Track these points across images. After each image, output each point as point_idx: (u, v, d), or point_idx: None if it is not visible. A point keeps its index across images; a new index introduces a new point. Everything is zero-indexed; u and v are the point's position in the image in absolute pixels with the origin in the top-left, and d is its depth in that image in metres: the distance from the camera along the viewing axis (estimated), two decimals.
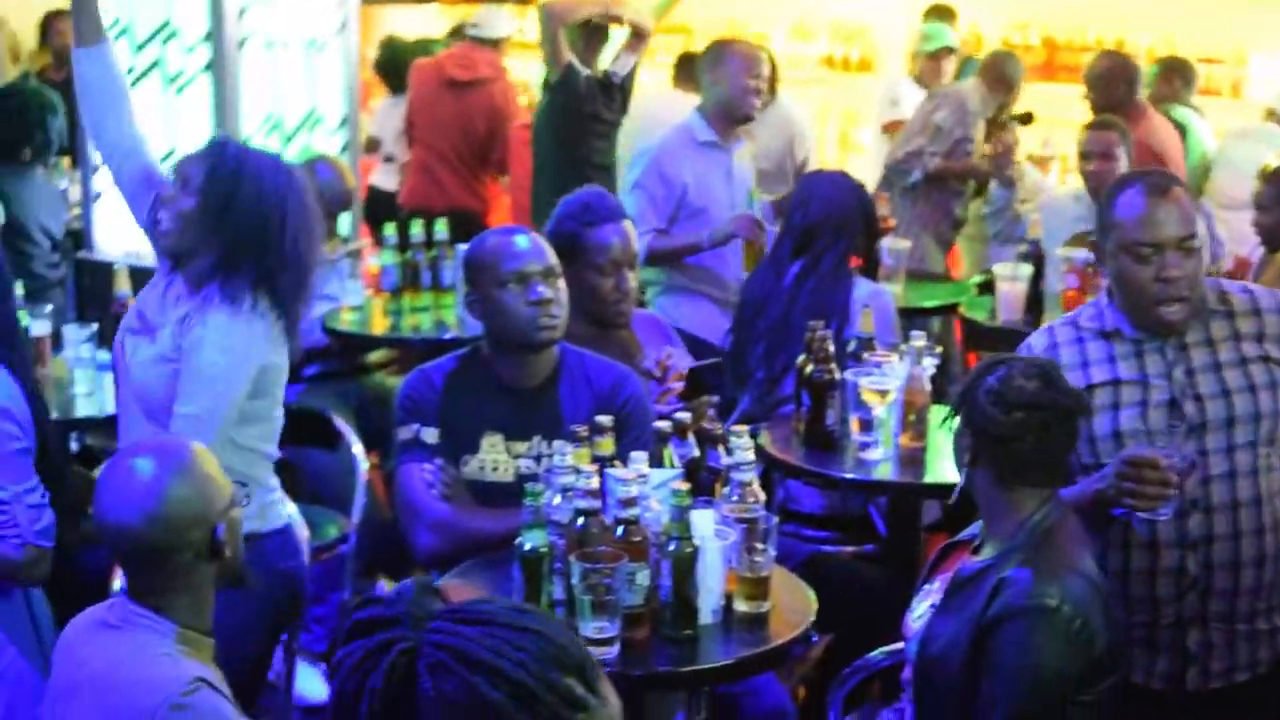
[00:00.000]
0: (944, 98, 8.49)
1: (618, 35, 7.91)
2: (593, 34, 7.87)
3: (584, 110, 7.74)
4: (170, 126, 7.39)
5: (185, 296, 4.29)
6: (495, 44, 9.57)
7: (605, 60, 7.90)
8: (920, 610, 3.71)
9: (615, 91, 7.87)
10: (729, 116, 6.75)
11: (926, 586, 3.78)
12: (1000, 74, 8.49)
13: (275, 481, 4.50)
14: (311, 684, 5.61)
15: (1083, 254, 6.30)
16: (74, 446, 6.18)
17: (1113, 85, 7.89)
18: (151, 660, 3.07)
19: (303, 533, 4.58)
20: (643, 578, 3.62)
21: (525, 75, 10.96)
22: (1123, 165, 6.73)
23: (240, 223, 4.24)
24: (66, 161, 8.61)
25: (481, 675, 1.87)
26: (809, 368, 5.01)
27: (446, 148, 9.12)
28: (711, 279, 6.67)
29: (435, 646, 1.90)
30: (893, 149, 8.56)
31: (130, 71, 7.48)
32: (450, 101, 9.15)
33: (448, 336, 6.34)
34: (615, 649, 3.54)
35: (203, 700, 3.02)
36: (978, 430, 3.55)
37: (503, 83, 9.47)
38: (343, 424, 5.79)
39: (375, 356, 6.94)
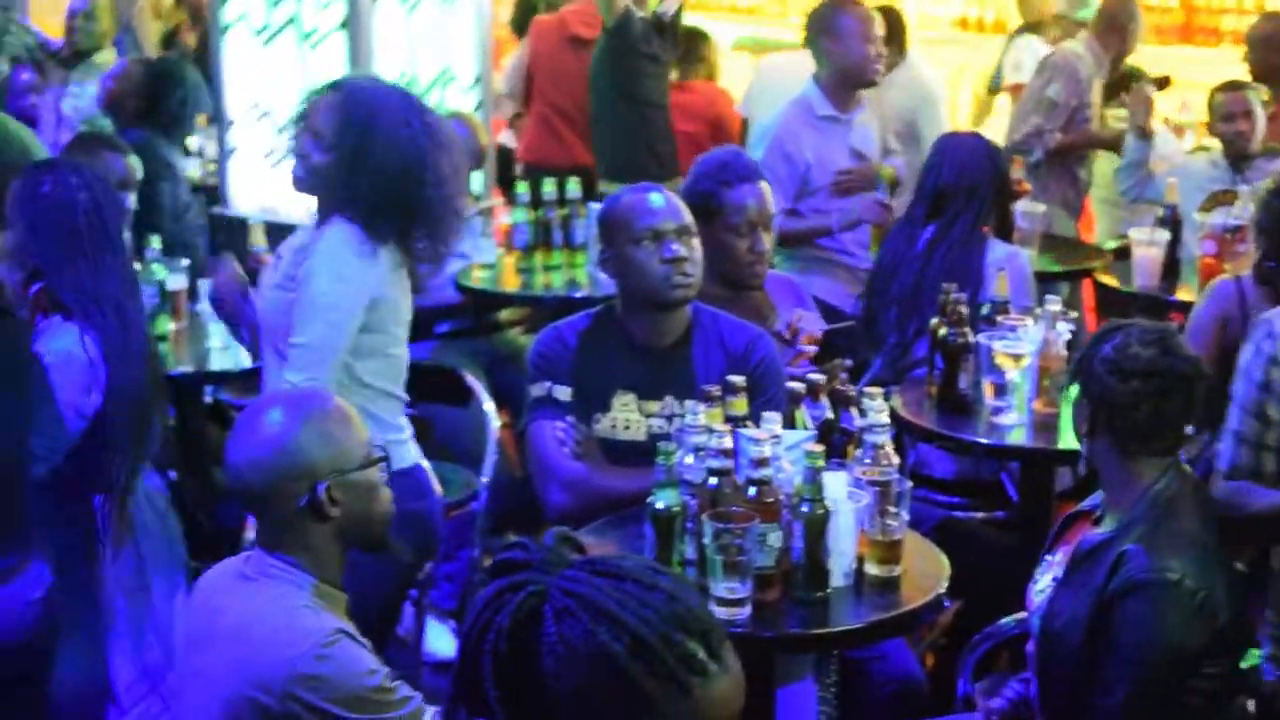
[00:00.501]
0: (1054, 69, 8.22)
1: None
2: None
3: (641, 51, 8.03)
4: (304, 83, 7.42)
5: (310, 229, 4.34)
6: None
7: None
8: (1043, 583, 3.68)
9: (666, 30, 8.19)
10: (849, 84, 6.65)
11: (1049, 558, 3.75)
12: (1112, 23, 8.25)
13: (403, 422, 4.52)
14: (441, 640, 5.64)
15: (1221, 219, 6.21)
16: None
17: (1275, 48, 7.75)
18: (291, 611, 3.10)
19: (434, 479, 4.60)
20: (775, 539, 3.61)
21: None
22: (1260, 126, 6.62)
23: (376, 176, 4.26)
24: (203, 119, 8.69)
25: (605, 625, 1.88)
26: (942, 331, 4.97)
27: (569, 104, 9.09)
28: (842, 250, 6.62)
29: (564, 592, 1.91)
30: (1010, 127, 8.38)
31: (266, 28, 7.54)
32: (573, 58, 9.11)
33: (579, 295, 6.34)
34: (746, 610, 3.53)
35: (343, 650, 3.05)
36: (1095, 399, 3.51)
37: None
38: (474, 381, 5.81)
39: (506, 314, 6.96)
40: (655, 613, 1.89)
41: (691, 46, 9.01)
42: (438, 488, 4.61)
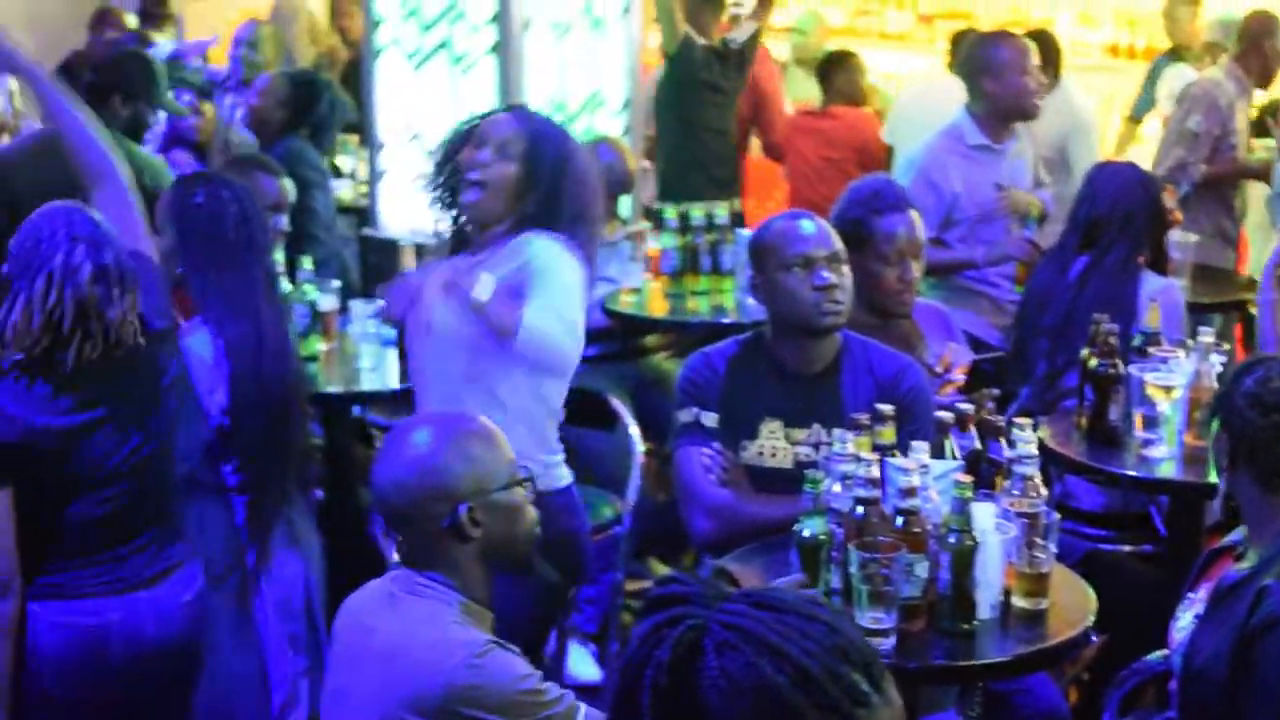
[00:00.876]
0: (1193, 100, 8.02)
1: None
2: (708, 3, 8.37)
3: (700, 79, 8.21)
4: (456, 107, 7.49)
5: (500, 249, 4.36)
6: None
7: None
8: (1185, 620, 3.63)
9: (732, 58, 8.34)
10: (1005, 117, 6.59)
11: (1191, 595, 3.70)
12: (1252, 43, 8.06)
13: (559, 444, 4.56)
14: (582, 664, 5.66)
15: None
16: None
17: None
18: (442, 627, 3.13)
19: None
20: (921, 569, 3.59)
21: (783, 56, 10.87)
22: None
23: (557, 186, 4.35)
24: (354, 139, 8.79)
25: (767, 657, 1.87)
26: (1093, 362, 4.92)
27: None
28: (988, 282, 6.57)
29: (724, 625, 1.90)
30: (1155, 159, 8.23)
31: (417, 52, 7.62)
32: None
33: (726, 321, 6.34)
34: (891, 640, 3.51)
35: (495, 659, 3.08)
36: (1235, 433, 3.46)
37: (767, 65, 9.45)
38: (619, 405, 5.82)
39: (653, 339, 6.97)
40: (817, 644, 1.88)
41: (836, 72, 9.01)
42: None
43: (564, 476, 4.52)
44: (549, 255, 4.27)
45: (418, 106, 7.69)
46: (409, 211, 7.75)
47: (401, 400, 5.80)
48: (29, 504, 3.90)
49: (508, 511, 3.25)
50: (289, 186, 5.99)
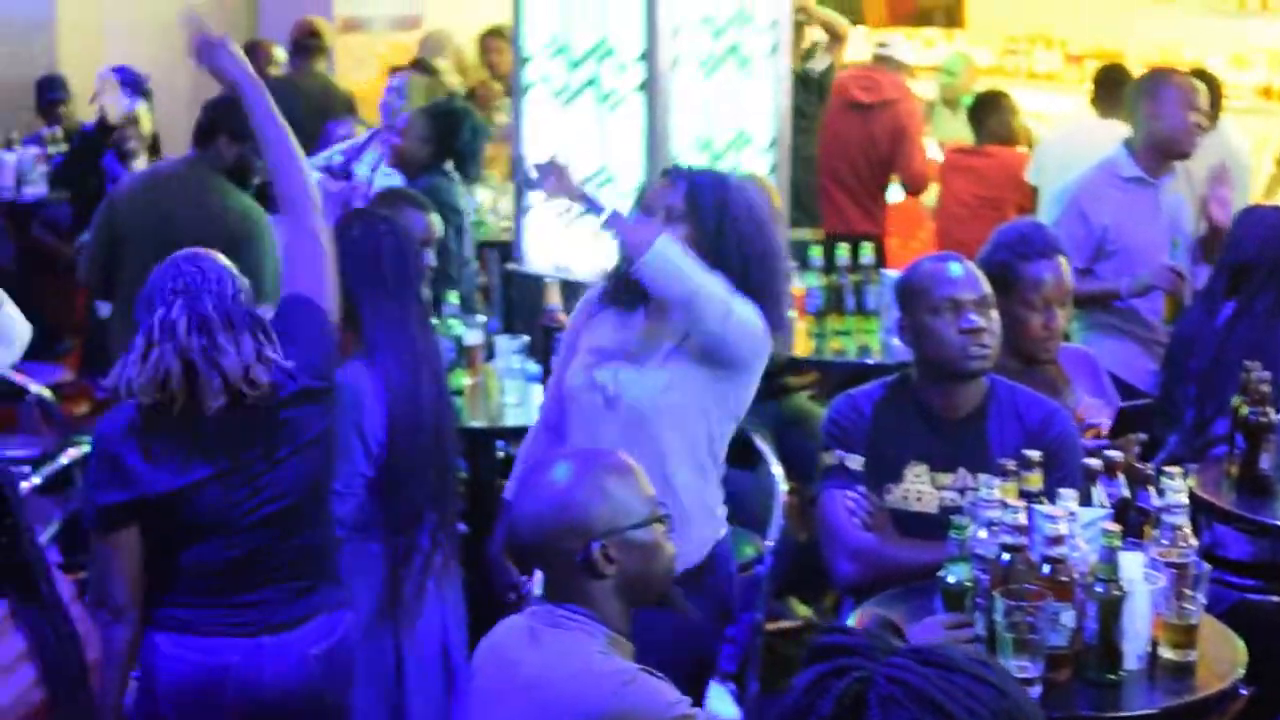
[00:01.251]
0: None
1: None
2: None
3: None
4: (602, 144, 7.52)
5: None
6: (902, 66, 9.56)
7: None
8: None
9: (814, 86, 8.64)
10: (1164, 153, 6.52)
11: None
12: None
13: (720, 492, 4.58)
14: (722, 703, 5.63)
15: None
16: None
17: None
18: (587, 657, 3.14)
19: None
20: (1067, 618, 3.55)
21: (930, 95, 10.82)
22: None
23: (728, 241, 4.35)
24: (496, 174, 8.84)
25: (931, 714, 1.85)
26: (1244, 410, 4.85)
27: (845, 170, 9.10)
28: (1137, 319, 6.49)
29: (890, 680, 1.88)
30: None
31: (565, 89, 7.65)
32: (854, 123, 9.12)
33: (870, 361, 6.32)
34: (1037, 690, 3.47)
35: (644, 686, 3.10)
36: None
37: (909, 103, 9.41)
38: (763, 444, 5.81)
39: (797, 378, 6.95)
40: (984, 706, 1.86)
41: (989, 112, 8.96)
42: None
43: (724, 525, 4.55)
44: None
45: (564, 143, 7.72)
46: (553, 247, 7.79)
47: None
48: (147, 545, 3.95)
49: (643, 549, 3.24)
50: (436, 222, 6.05)
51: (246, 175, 6.59)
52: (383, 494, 4.49)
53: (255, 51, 10.52)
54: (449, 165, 7.75)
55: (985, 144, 8.88)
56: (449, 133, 7.78)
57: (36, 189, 9.92)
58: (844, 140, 9.13)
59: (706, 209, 4.37)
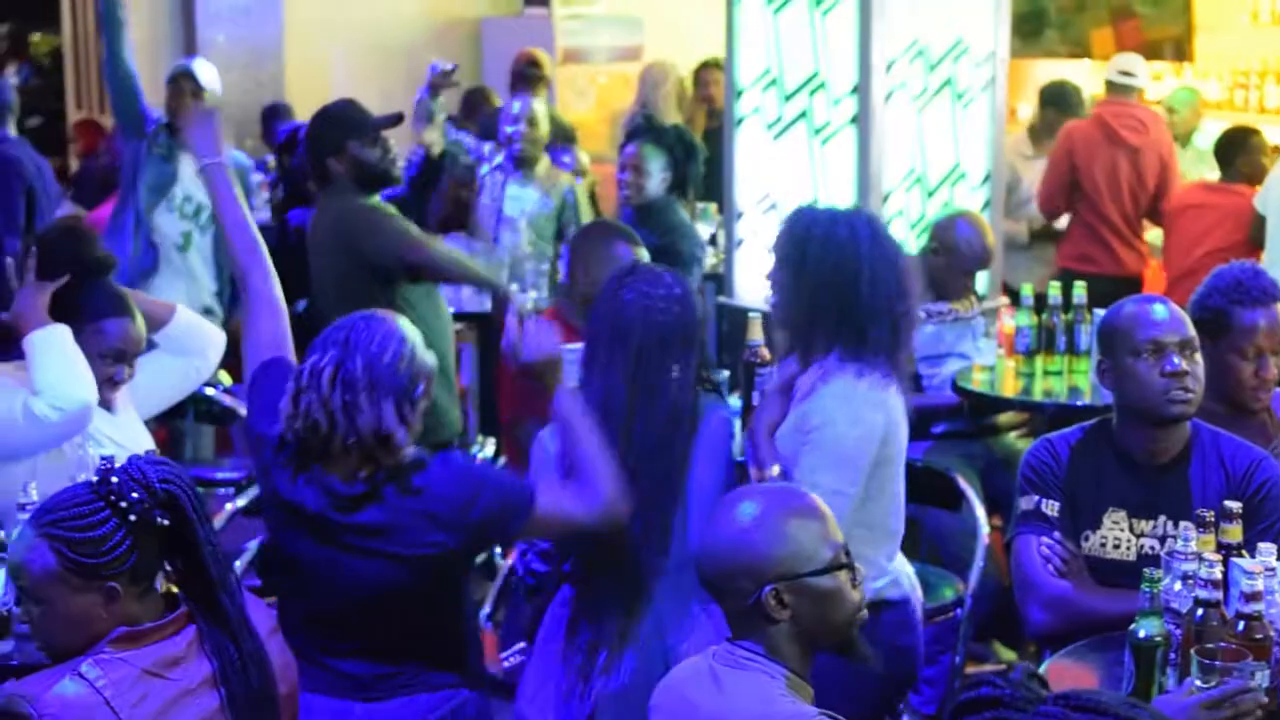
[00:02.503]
0: None
1: None
2: None
3: None
4: (814, 177, 7.48)
5: (803, 377, 4.35)
6: (1141, 93, 9.38)
7: None
8: None
9: None
10: None
11: None
12: None
13: (898, 561, 4.49)
14: None
15: None
16: None
17: None
18: (770, 700, 3.09)
19: (918, 596, 4.54)
20: (1263, 678, 3.41)
21: None
22: None
23: (815, 277, 4.28)
24: (714, 208, 8.84)
25: None
26: None
27: (1112, 209, 8.94)
28: None
29: None
30: None
31: (777, 121, 7.62)
32: (1124, 165, 8.96)
33: (1080, 404, 6.18)
34: None
35: None
36: None
37: (1167, 134, 9.27)
38: (965, 485, 5.71)
39: (1005, 418, 6.84)
40: None
41: (1236, 152, 8.74)
42: (921, 608, 4.54)
43: (902, 587, 4.47)
44: (831, 400, 4.26)
45: (776, 176, 7.69)
46: (763, 281, 7.76)
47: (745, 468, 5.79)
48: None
49: (822, 596, 3.16)
50: (645, 258, 6.01)
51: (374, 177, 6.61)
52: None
53: (475, 96, 10.64)
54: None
55: (1230, 182, 8.67)
56: (684, 162, 7.76)
57: (260, 213, 10.10)
58: (1115, 182, 8.97)
59: (790, 240, 4.35)
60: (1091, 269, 8.54)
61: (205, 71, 8.00)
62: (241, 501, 6.47)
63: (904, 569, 4.54)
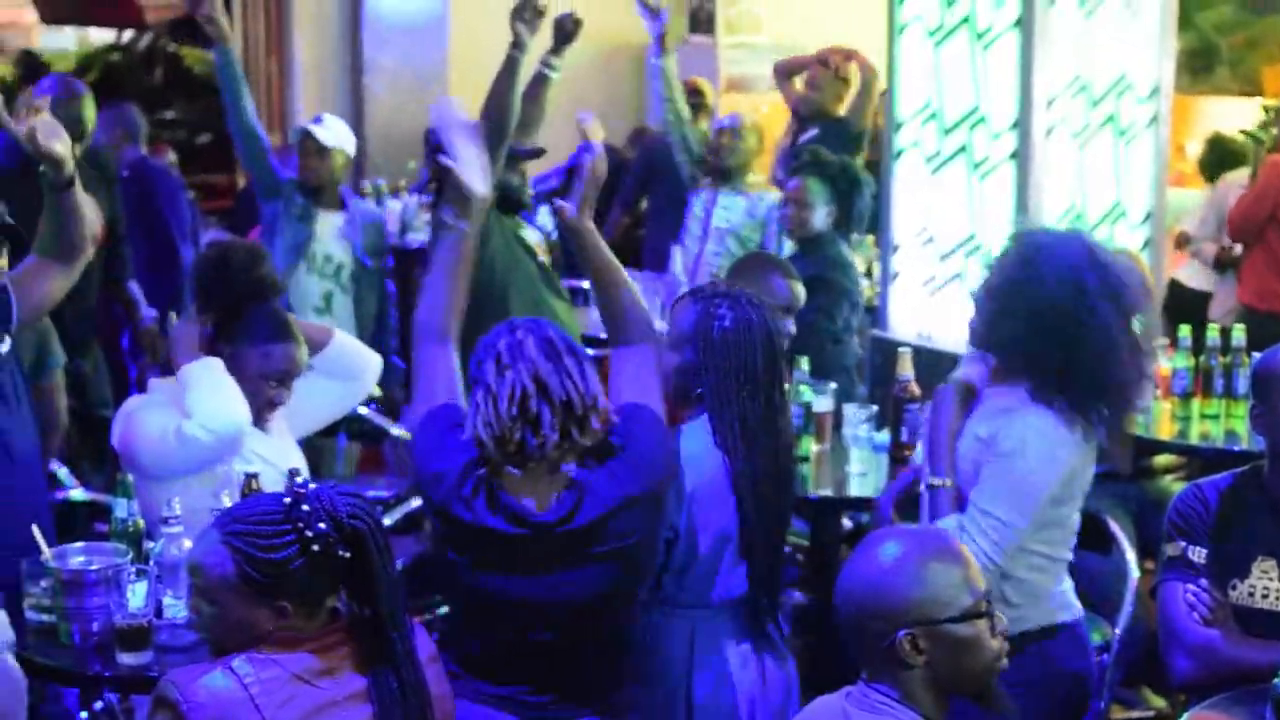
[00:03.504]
0: None
1: None
2: None
3: None
4: (972, 212, 7.42)
5: (998, 390, 4.28)
6: None
7: None
8: None
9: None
10: None
11: None
12: None
13: (1066, 583, 4.41)
14: None
15: None
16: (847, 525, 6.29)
17: None
18: None
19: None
20: None
21: None
22: None
23: (1029, 306, 4.19)
24: (870, 240, 8.79)
25: None
26: None
27: None
28: None
29: None
30: None
31: (936, 155, 7.57)
32: None
33: (1236, 449, 6.07)
34: None
35: None
36: None
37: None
38: (1116, 528, 5.61)
39: (1161, 461, 6.72)
40: None
41: None
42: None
43: (1072, 612, 4.40)
44: (1026, 434, 4.16)
45: (933, 209, 7.64)
46: (917, 315, 7.72)
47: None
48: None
49: (959, 643, 3.10)
50: (800, 291, 5.99)
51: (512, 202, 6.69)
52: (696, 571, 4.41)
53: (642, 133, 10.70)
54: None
55: None
56: (848, 196, 7.71)
57: (420, 236, 10.18)
58: None
59: (1010, 266, 4.25)
60: (1275, 307, 8.44)
61: (326, 131, 7.95)
62: (388, 520, 6.51)
63: (1072, 593, 4.45)
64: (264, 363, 4.90)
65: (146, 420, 4.76)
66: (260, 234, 8.00)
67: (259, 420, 4.91)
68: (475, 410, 3.79)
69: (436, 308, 4.16)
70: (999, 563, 4.09)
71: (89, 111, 7.34)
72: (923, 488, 4.31)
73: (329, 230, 7.74)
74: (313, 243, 7.73)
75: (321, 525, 3.20)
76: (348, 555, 3.24)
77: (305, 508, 3.21)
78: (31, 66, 15.70)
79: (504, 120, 6.60)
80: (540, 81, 7.09)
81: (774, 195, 8.40)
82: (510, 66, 6.75)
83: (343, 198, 7.91)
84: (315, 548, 3.20)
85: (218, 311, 5.03)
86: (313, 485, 3.30)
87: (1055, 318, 4.15)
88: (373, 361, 5.50)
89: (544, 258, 6.81)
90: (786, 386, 5.42)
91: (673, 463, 4.05)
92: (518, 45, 6.83)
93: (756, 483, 4.29)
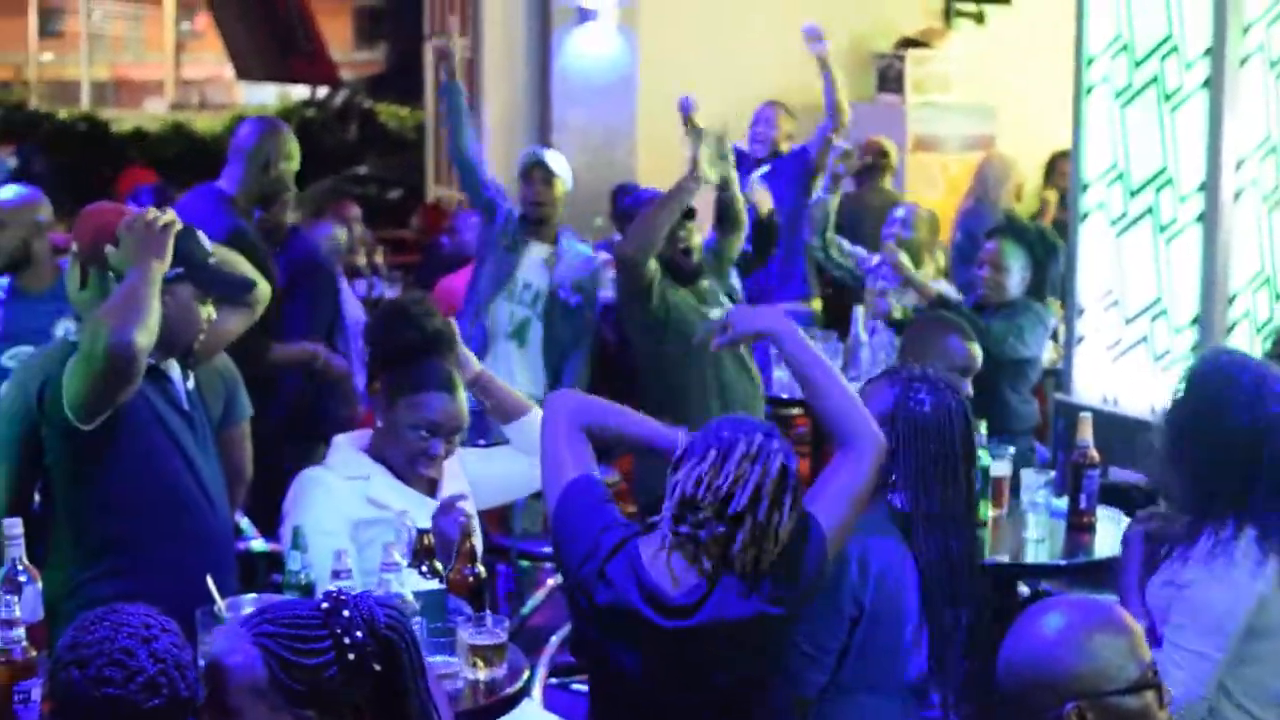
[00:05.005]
0: None
1: None
2: None
3: None
4: (1159, 276, 7.31)
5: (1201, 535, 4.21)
6: None
7: None
8: None
9: None
10: None
11: None
12: None
13: None
14: None
15: None
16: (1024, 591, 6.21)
17: None
18: None
19: None
20: None
21: None
22: None
23: (1207, 438, 4.15)
24: (1056, 304, 8.70)
25: None
26: None
27: None
28: None
29: None
30: None
31: (1123, 216, 7.47)
32: None
33: None
34: None
35: None
36: None
37: None
38: None
39: None
40: None
41: None
42: None
43: None
44: (1204, 563, 4.12)
45: (1118, 272, 7.54)
46: (1102, 378, 7.61)
47: (1078, 573, 5.67)
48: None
49: (1126, 715, 3.03)
50: (977, 353, 5.96)
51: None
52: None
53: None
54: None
55: None
56: (1044, 262, 7.64)
57: (607, 292, 10.22)
58: None
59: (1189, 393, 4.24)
60: None
61: (554, 158, 8.12)
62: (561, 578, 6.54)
63: None
64: (413, 411, 4.91)
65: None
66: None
67: (417, 473, 4.95)
68: (690, 460, 3.79)
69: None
70: (1203, 694, 4.03)
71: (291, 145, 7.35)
72: None
73: (533, 259, 7.89)
74: (515, 271, 7.92)
75: (359, 634, 3.00)
76: (379, 668, 3.03)
77: (345, 614, 3.02)
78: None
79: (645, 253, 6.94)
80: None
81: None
82: (678, 195, 7.07)
83: (558, 233, 8.05)
84: (350, 656, 2.99)
85: (385, 367, 5.10)
86: (354, 591, 3.17)
87: (1239, 449, 4.13)
88: None
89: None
90: None
91: (821, 581, 3.97)
92: (695, 179, 7.07)
93: (946, 568, 4.26)
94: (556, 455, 4.06)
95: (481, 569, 4.45)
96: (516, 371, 7.89)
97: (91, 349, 4.37)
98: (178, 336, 4.65)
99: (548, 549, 7.06)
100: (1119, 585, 4.39)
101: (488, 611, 4.39)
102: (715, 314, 7.05)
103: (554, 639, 6.38)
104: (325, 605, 3.03)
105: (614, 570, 3.81)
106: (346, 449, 5.01)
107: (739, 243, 7.73)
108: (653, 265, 7.06)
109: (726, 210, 7.60)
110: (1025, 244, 7.80)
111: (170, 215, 4.56)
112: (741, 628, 3.79)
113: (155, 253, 4.48)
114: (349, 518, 4.74)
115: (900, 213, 8.89)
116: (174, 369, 4.73)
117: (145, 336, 4.36)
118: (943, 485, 4.26)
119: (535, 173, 7.98)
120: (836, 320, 9.12)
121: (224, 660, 3.00)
